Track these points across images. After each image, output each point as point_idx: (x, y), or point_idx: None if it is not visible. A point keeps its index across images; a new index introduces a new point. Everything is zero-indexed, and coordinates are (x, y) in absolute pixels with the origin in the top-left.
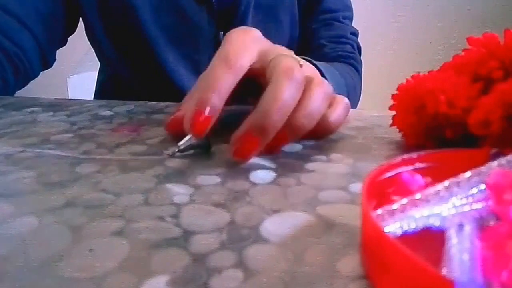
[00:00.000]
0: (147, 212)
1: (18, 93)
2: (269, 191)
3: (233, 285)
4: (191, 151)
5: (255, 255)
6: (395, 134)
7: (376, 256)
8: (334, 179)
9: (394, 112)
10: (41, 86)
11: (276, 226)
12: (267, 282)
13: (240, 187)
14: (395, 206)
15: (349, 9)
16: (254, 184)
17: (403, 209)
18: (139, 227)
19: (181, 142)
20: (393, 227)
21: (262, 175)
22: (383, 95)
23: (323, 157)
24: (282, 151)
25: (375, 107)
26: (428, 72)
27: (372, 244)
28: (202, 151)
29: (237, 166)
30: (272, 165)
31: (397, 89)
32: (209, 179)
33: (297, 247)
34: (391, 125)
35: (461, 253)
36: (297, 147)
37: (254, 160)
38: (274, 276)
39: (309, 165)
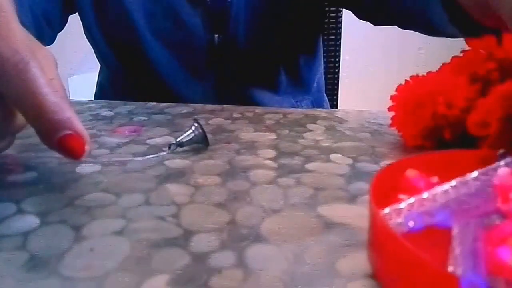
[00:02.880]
0: (148, 212)
1: None
2: (269, 191)
3: (233, 285)
4: (190, 146)
5: (255, 255)
6: (395, 135)
7: (383, 254)
8: (334, 179)
9: (393, 113)
10: None
11: (276, 226)
12: (267, 282)
13: (240, 187)
14: (402, 205)
15: None
16: (254, 184)
17: (410, 208)
18: (140, 227)
19: (179, 138)
20: (400, 225)
21: (262, 175)
22: (382, 95)
23: (323, 157)
24: (282, 151)
25: (374, 108)
26: (427, 73)
27: (380, 242)
28: (201, 146)
29: (237, 166)
30: (272, 165)
31: (396, 90)
32: (209, 179)
33: (297, 247)
34: (390, 125)
35: (467, 251)
36: (296, 147)
37: (254, 160)
38: (274, 276)
39: (309, 165)
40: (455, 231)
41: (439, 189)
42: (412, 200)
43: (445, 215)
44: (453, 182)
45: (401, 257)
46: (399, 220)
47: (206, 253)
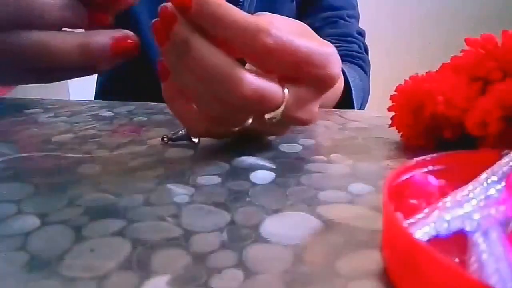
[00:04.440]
0: (148, 212)
1: (19, 94)
2: (269, 191)
3: (233, 285)
4: (181, 142)
5: (255, 255)
6: (394, 135)
7: (408, 264)
8: (334, 179)
9: (393, 113)
10: (42, 87)
11: (276, 226)
12: (267, 282)
13: (240, 187)
14: (417, 217)
15: (354, 7)
16: (254, 184)
17: (427, 216)
18: (140, 227)
19: (172, 132)
20: (419, 233)
21: (262, 175)
22: (382, 95)
23: (323, 158)
24: (282, 151)
25: (374, 108)
26: (426, 73)
27: (402, 251)
28: (190, 143)
29: (237, 166)
30: (272, 165)
31: (396, 90)
32: (209, 179)
33: (297, 247)
34: (390, 125)
35: (495, 260)
36: (296, 147)
37: (254, 160)
38: (274, 276)
39: (309, 166)
40: (475, 238)
41: (454, 194)
42: (428, 208)
43: (470, 222)
44: (465, 191)
45: (430, 268)
46: (423, 229)
47: (206, 253)
